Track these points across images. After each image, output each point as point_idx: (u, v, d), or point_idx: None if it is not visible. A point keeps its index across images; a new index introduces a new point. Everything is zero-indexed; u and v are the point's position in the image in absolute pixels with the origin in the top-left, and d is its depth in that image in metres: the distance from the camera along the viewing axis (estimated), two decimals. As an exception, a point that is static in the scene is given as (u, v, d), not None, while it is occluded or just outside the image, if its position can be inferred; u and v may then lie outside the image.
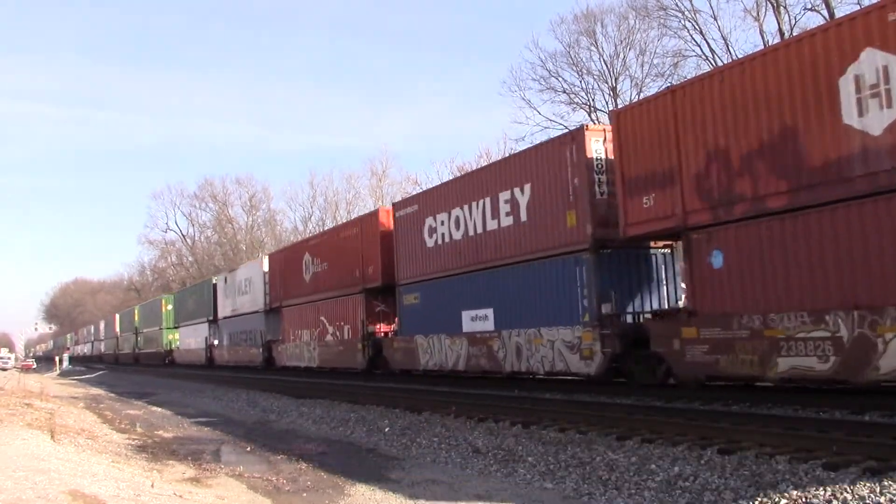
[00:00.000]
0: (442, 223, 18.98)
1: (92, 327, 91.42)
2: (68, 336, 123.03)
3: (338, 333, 24.95)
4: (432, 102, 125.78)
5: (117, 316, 70.90)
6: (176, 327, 48.41)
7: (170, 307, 49.88)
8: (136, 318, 60.07)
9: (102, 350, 79.12)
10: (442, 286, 18.96)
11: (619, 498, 7.72)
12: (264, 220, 75.84)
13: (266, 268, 32.14)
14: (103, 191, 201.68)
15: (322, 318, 26.12)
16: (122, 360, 66.30)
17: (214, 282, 39.98)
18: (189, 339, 44.94)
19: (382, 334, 22.87)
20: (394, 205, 22.18)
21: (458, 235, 18.30)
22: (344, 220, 46.08)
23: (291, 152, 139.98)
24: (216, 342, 39.09)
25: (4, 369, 67.87)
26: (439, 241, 19.10)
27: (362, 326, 22.94)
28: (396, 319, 21.89)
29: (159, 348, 51.21)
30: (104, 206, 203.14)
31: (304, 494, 9.00)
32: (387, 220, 22.19)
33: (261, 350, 31.95)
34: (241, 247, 72.45)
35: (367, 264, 22.88)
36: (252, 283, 33.54)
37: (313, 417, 16.59)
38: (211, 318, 39.35)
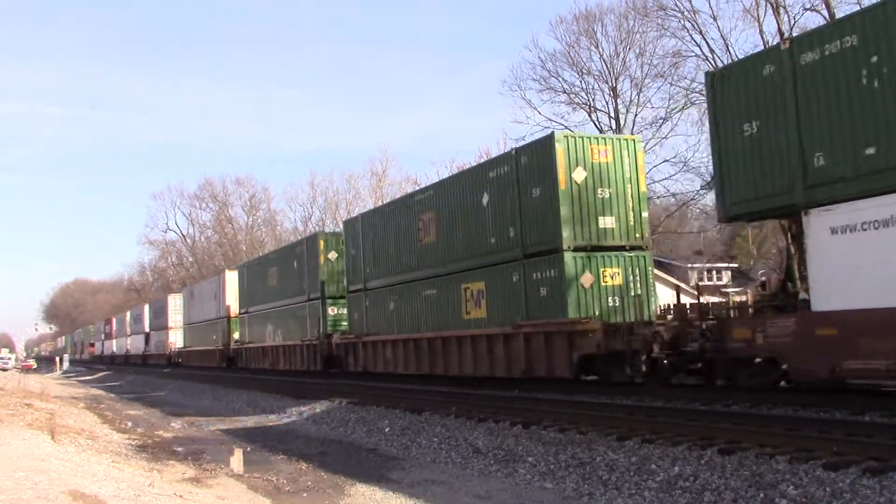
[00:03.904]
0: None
1: (145, 309, 58.21)
2: (91, 328, 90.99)
3: None
4: (432, 103, 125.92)
5: (228, 276, 36.75)
6: None
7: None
8: (324, 256, 25.98)
9: (177, 344, 47.07)
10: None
11: (619, 498, 7.73)
12: (264, 220, 75.88)
13: None
14: (103, 191, 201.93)
15: None
16: (249, 360, 33.21)
17: None
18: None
19: None
20: None
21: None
22: (344, 221, 34.51)
23: (291, 152, 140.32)
24: None
25: (5, 370, 67.79)
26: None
27: None
28: None
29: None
30: (104, 206, 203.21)
31: (305, 494, 9.01)
32: None
33: None
34: (242, 247, 72.42)
35: None
36: None
37: (314, 418, 16.59)
38: None
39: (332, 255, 25.85)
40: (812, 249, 10.31)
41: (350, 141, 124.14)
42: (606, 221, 15.03)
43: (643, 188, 15.67)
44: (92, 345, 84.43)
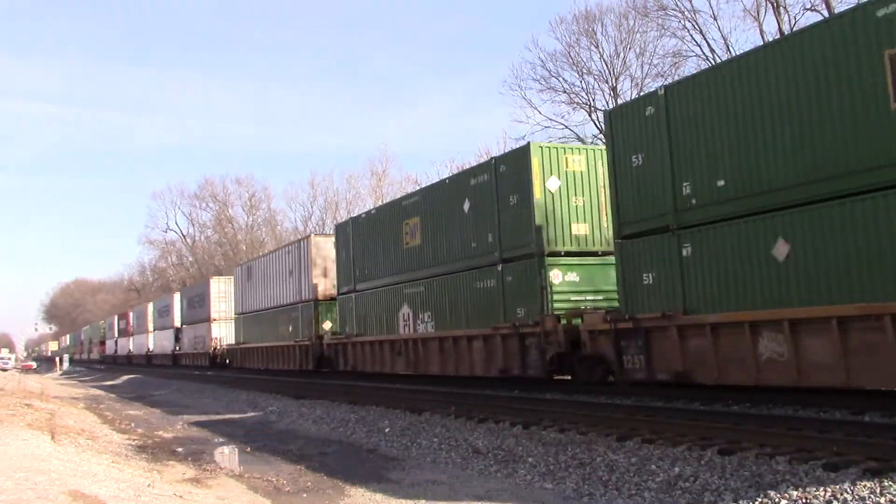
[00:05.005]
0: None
1: (175, 298, 47.73)
2: (101, 324, 79.30)
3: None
4: (433, 102, 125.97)
5: (316, 242, 26.94)
6: None
7: None
8: (540, 183, 15.91)
9: (225, 340, 37.99)
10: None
11: (619, 498, 7.72)
12: (264, 220, 76.02)
13: None
14: (103, 191, 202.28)
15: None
16: (361, 361, 23.05)
17: None
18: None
19: None
20: None
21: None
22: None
23: (291, 152, 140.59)
24: None
25: (5, 370, 67.79)
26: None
27: None
28: None
29: None
30: (104, 206, 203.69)
31: (305, 495, 9.01)
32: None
33: None
34: (242, 247, 72.46)
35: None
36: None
37: (313, 418, 16.58)
38: None
39: (554, 182, 15.88)
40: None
41: (350, 141, 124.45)
42: None
43: None
44: (102, 343, 75.01)
